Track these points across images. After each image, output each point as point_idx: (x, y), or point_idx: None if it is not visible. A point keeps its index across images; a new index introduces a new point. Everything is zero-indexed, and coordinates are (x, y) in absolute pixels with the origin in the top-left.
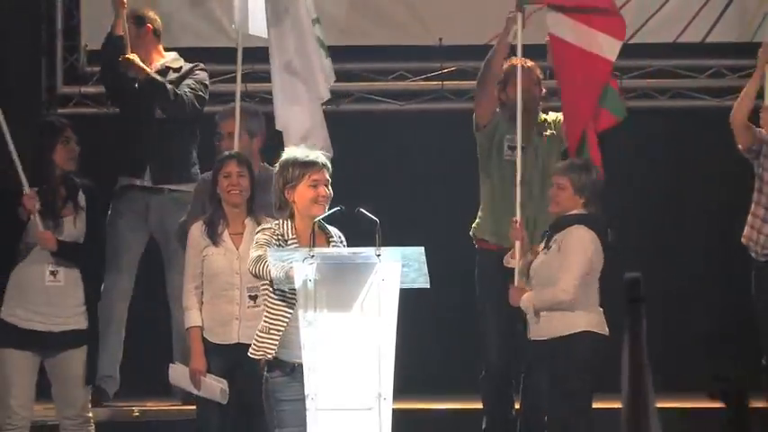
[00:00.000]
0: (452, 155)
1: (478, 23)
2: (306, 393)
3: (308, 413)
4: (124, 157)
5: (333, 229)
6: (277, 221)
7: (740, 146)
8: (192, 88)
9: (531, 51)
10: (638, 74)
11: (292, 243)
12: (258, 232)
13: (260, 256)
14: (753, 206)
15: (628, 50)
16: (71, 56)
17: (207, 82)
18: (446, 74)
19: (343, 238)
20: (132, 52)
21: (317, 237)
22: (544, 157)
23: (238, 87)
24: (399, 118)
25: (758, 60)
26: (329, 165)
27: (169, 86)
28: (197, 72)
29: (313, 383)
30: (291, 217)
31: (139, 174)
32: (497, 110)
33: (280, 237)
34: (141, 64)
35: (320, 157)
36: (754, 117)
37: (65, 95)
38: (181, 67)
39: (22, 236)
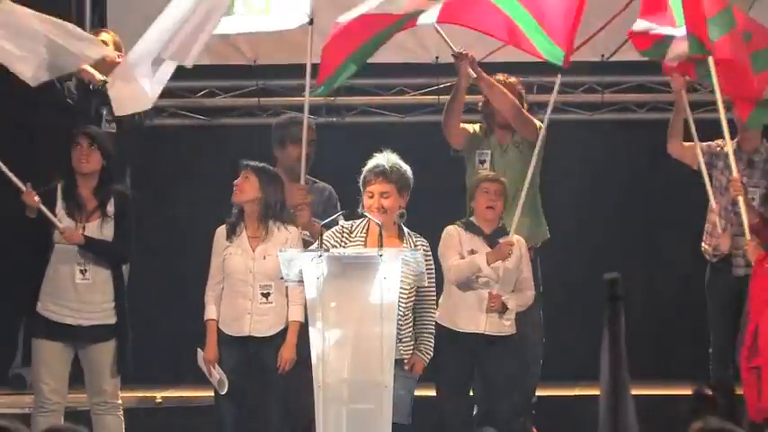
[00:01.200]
0: (446, 163)
1: (471, 43)
2: (315, 384)
3: (316, 401)
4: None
5: (416, 236)
6: (363, 220)
7: (692, 166)
8: None
9: (513, 67)
10: (620, 89)
11: (358, 239)
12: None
13: None
14: (709, 211)
15: (610, 67)
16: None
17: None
18: (442, 89)
19: (420, 245)
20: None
21: (392, 238)
22: (520, 165)
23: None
24: (399, 129)
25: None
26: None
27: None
28: None
29: (320, 374)
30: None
31: None
32: (471, 130)
33: (347, 232)
34: (93, 71)
35: (381, 167)
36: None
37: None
38: None
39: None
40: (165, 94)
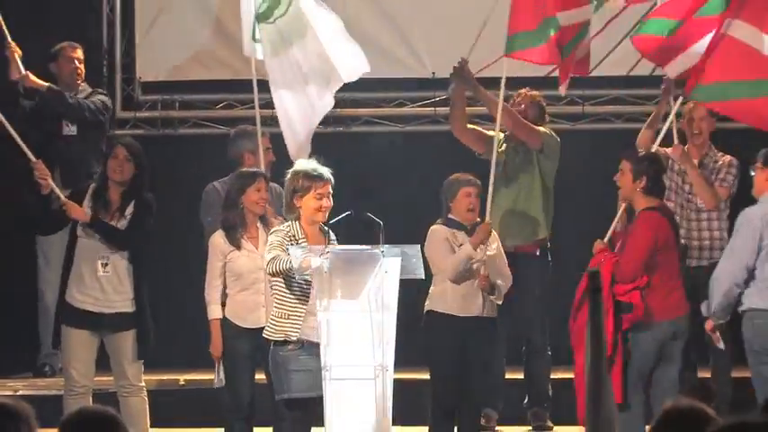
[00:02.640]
0: (443, 168)
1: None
2: (322, 366)
3: (323, 382)
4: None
5: (330, 232)
6: (288, 224)
7: None
8: (91, 101)
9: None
10: (598, 101)
11: (302, 242)
12: (271, 234)
13: (274, 257)
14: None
15: (589, 82)
16: (128, 87)
17: (106, 102)
18: (438, 102)
19: (334, 239)
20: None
21: (319, 237)
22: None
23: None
24: (400, 138)
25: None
26: (332, 179)
27: (67, 95)
28: (97, 94)
29: (328, 357)
30: (298, 219)
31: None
32: (491, 134)
33: (291, 237)
34: (38, 80)
35: (326, 172)
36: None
37: (122, 119)
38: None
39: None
40: (189, 106)
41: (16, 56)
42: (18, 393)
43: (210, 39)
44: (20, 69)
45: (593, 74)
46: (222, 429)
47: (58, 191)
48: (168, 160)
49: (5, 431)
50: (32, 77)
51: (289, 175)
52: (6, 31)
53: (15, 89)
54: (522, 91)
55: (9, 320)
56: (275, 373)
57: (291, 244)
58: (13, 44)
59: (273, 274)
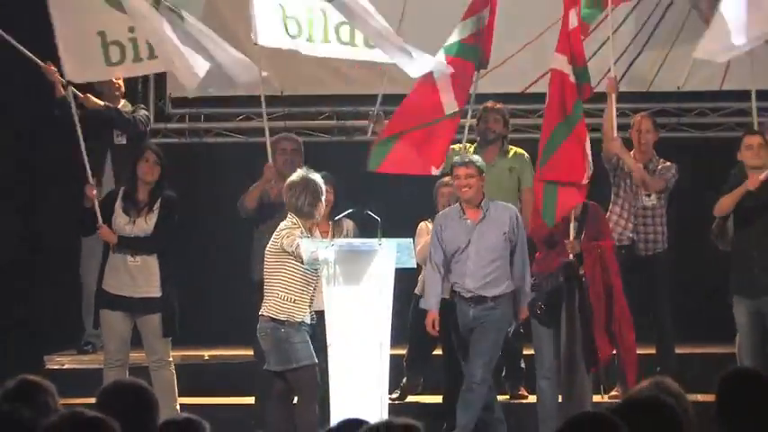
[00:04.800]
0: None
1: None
2: (328, 342)
3: (328, 357)
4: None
5: (346, 223)
6: (293, 220)
7: (606, 163)
8: (139, 115)
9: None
10: None
11: (316, 235)
12: (286, 229)
13: (298, 244)
14: (611, 206)
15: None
16: (160, 101)
17: (148, 115)
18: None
19: (350, 231)
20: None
21: (328, 230)
22: (505, 177)
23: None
24: None
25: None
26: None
27: (125, 112)
28: (140, 110)
29: (332, 335)
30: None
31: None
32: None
33: (302, 231)
34: (96, 100)
35: (327, 174)
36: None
37: (155, 130)
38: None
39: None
40: (213, 118)
41: (57, 76)
42: (65, 367)
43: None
44: (61, 88)
45: None
46: (252, 398)
47: (97, 210)
48: (194, 165)
49: (35, 402)
50: (92, 98)
51: (302, 181)
52: (35, 57)
53: (65, 102)
54: (489, 104)
55: (57, 305)
56: (276, 347)
57: (307, 236)
58: (45, 66)
59: (293, 255)
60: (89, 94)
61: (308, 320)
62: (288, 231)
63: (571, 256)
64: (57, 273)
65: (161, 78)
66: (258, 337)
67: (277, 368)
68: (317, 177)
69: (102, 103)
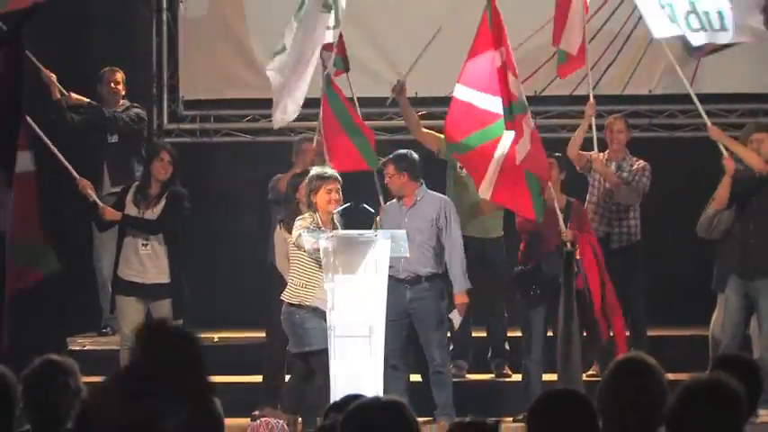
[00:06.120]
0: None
1: (441, 82)
2: (328, 325)
3: (329, 339)
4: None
5: (336, 219)
6: (310, 214)
7: (577, 167)
8: (126, 114)
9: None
10: (547, 116)
11: (321, 228)
12: (298, 220)
13: (299, 234)
14: (586, 204)
15: (542, 100)
16: (173, 104)
17: (140, 113)
18: (420, 116)
19: (338, 223)
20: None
21: (332, 224)
22: None
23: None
24: (390, 144)
25: (585, 113)
26: (339, 178)
27: (105, 109)
28: (132, 108)
29: (333, 319)
30: (317, 211)
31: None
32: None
33: (315, 224)
34: (80, 97)
35: (333, 173)
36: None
37: (168, 130)
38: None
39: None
40: (222, 119)
41: (53, 79)
42: (85, 348)
43: (238, 65)
44: (59, 91)
45: (544, 93)
46: (259, 377)
47: (96, 199)
48: (205, 162)
49: (56, 382)
50: (75, 96)
51: (306, 179)
52: (37, 62)
53: (62, 107)
54: None
55: (78, 292)
56: (293, 331)
57: (314, 229)
58: (46, 71)
59: (297, 246)
60: (73, 93)
61: (323, 306)
62: (298, 224)
63: (569, 244)
64: (78, 260)
65: (174, 81)
66: (281, 320)
67: (294, 350)
68: (329, 172)
69: (86, 100)
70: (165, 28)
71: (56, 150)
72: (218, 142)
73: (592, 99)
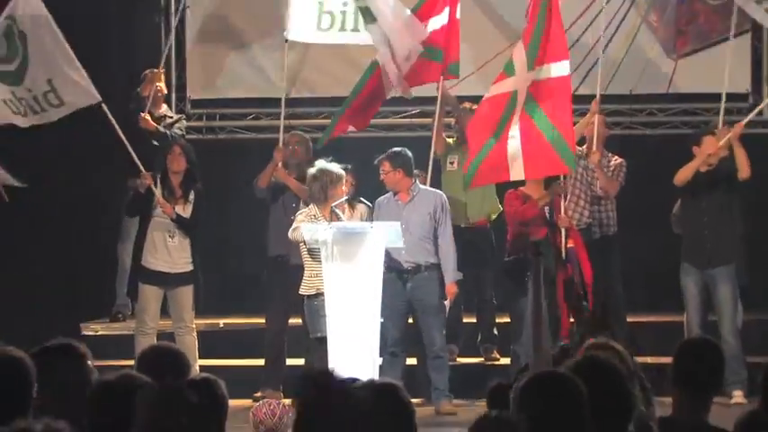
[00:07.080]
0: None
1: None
2: (326, 313)
3: (326, 326)
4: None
5: (360, 207)
6: (310, 206)
7: None
8: (177, 128)
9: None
10: None
11: (322, 220)
12: (299, 214)
13: (295, 228)
14: (569, 195)
15: None
16: (180, 102)
17: (182, 127)
18: (414, 114)
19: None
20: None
21: (331, 216)
22: None
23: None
24: (388, 140)
25: (590, 111)
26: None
27: (168, 133)
28: (180, 121)
29: (330, 307)
30: (326, 202)
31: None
32: (449, 142)
33: (313, 216)
34: (151, 122)
35: (341, 170)
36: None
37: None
38: (172, 117)
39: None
40: (227, 117)
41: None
42: (98, 333)
43: (243, 66)
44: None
45: None
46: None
47: (159, 196)
48: (211, 158)
49: (68, 366)
50: (149, 121)
51: (315, 173)
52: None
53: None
54: (467, 105)
55: (94, 280)
56: (311, 318)
57: (312, 221)
58: (143, 116)
59: (295, 241)
60: (148, 117)
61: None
62: (299, 218)
63: (563, 230)
64: (91, 250)
65: (182, 81)
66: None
67: (311, 335)
68: (332, 168)
69: (154, 126)
70: (172, 30)
71: (129, 147)
72: (224, 139)
73: (598, 96)
